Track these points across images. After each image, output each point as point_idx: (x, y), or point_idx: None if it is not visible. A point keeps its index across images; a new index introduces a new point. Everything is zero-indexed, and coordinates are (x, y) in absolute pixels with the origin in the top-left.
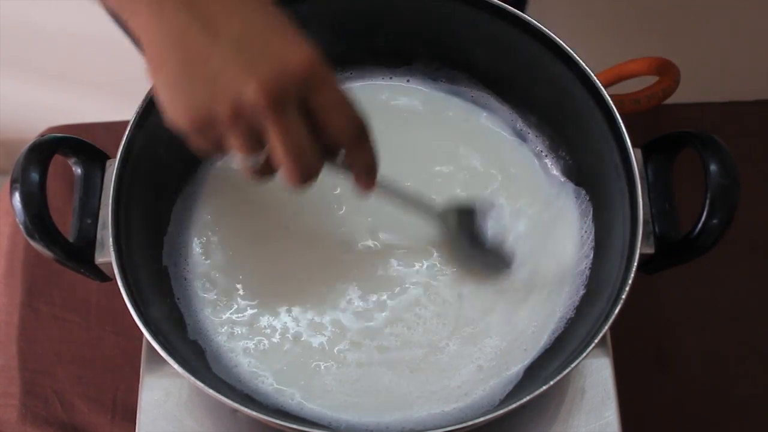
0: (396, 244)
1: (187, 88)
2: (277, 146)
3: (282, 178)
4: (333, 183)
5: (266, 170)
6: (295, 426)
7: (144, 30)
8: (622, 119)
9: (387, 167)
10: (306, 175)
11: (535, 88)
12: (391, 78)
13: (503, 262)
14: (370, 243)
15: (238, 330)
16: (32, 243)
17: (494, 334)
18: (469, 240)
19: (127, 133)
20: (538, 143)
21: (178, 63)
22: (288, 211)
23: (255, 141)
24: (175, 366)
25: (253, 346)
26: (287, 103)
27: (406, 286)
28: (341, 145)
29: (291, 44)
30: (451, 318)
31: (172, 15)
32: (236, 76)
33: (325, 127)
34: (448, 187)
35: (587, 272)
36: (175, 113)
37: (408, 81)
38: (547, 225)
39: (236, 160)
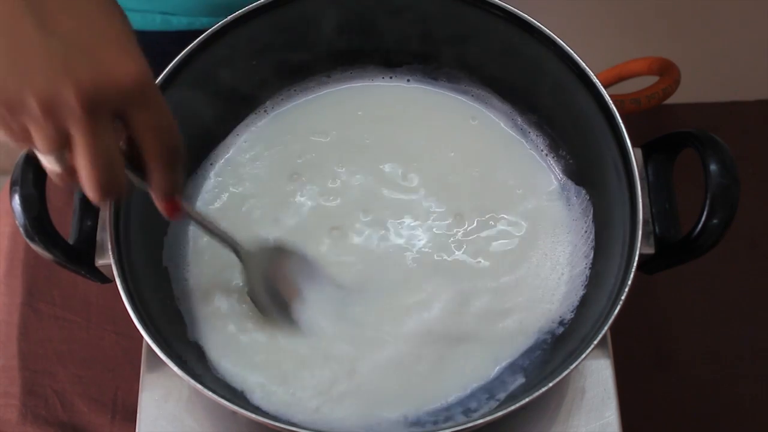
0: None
1: (2, 70)
2: (80, 152)
3: (83, 187)
4: (333, 182)
5: (67, 176)
6: (294, 428)
7: None
8: (622, 119)
9: (387, 167)
10: (105, 188)
11: (536, 88)
12: (391, 78)
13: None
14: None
15: (238, 330)
16: (32, 245)
17: (493, 334)
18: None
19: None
20: (538, 143)
21: (2, 48)
22: (288, 210)
23: (57, 142)
24: (174, 368)
25: (253, 347)
26: (100, 112)
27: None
28: (147, 164)
29: (122, 55)
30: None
31: (8, 4)
32: (57, 74)
33: (136, 143)
34: (447, 186)
35: (587, 272)
36: None
37: (408, 81)
38: (547, 225)
39: (39, 157)
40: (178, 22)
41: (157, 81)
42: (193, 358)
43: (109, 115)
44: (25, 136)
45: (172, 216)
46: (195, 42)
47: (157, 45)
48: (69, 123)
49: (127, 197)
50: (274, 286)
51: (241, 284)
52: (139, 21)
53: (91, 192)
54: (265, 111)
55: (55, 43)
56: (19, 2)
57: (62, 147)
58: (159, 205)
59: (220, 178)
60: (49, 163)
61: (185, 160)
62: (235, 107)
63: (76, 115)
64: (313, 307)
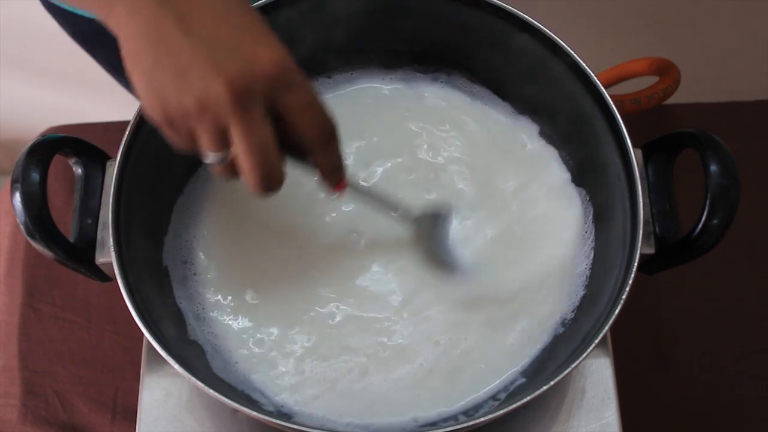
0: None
1: (159, 80)
2: (239, 145)
3: (245, 180)
4: None
5: (232, 170)
6: (295, 426)
7: (122, 27)
8: (622, 119)
9: (386, 166)
10: (268, 178)
11: (536, 88)
12: (391, 78)
13: (455, 267)
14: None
15: (238, 330)
16: (33, 243)
17: (493, 335)
18: (439, 243)
19: (127, 133)
20: (538, 143)
21: (152, 56)
22: (289, 211)
23: (220, 138)
24: (176, 366)
25: (253, 346)
26: (252, 102)
27: (397, 298)
28: (308, 146)
29: (262, 44)
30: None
31: (147, 11)
32: (204, 72)
33: (292, 128)
34: (446, 186)
35: (587, 272)
36: (149, 104)
37: (408, 80)
38: (547, 225)
39: (204, 157)
40: None
41: None
42: (193, 357)
43: (261, 105)
44: (191, 139)
45: (341, 191)
46: None
47: None
48: (226, 119)
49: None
50: (443, 235)
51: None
52: None
53: (253, 184)
54: None
55: (197, 43)
56: (158, 8)
57: (225, 145)
58: (326, 183)
59: None
60: (215, 161)
61: (340, 137)
62: None
63: (231, 110)
64: None
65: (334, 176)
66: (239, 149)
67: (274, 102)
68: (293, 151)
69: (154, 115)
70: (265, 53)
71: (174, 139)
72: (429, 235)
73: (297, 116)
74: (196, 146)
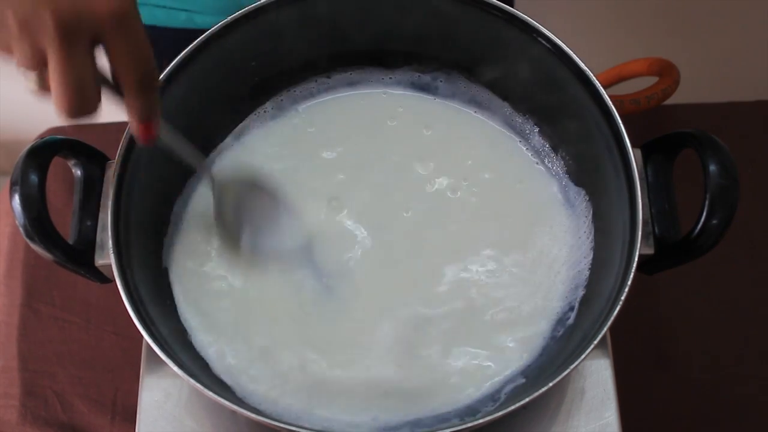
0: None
1: None
2: (53, 74)
3: (53, 103)
4: (334, 182)
5: (41, 93)
6: (293, 428)
7: None
8: (621, 119)
9: (387, 166)
10: (74, 108)
11: (535, 89)
12: (390, 78)
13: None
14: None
15: (237, 331)
16: (32, 245)
17: (494, 333)
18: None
19: (126, 134)
20: (537, 143)
21: None
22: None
23: (33, 60)
24: (175, 368)
25: (253, 347)
26: (75, 36)
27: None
28: (123, 89)
29: None
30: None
31: None
32: None
33: (113, 68)
34: (444, 186)
35: (587, 272)
36: None
37: (408, 81)
38: (546, 225)
39: (19, 71)
40: (202, 21)
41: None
42: (192, 359)
43: (84, 40)
44: (8, 51)
45: (146, 141)
46: (194, 43)
47: (178, 42)
48: (45, 44)
49: (95, 114)
50: (240, 215)
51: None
52: (162, 17)
53: (60, 110)
54: (264, 111)
55: None
56: None
57: (38, 66)
58: (133, 128)
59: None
60: (27, 79)
61: (158, 86)
62: (234, 107)
63: (51, 37)
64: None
65: (141, 123)
66: (52, 77)
67: (101, 40)
68: (112, 88)
69: None
70: None
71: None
72: (234, 202)
73: (117, 59)
74: (9, 56)
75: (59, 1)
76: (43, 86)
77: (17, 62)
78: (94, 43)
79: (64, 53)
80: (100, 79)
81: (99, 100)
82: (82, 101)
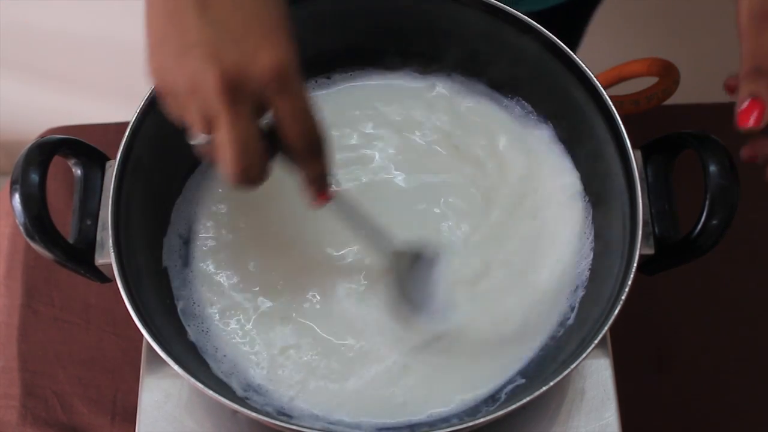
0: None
1: (164, 51)
2: (219, 135)
3: (220, 170)
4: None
5: (210, 157)
6: (294, 426)
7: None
8: (621, 120)
9: (386, 166)
10: (243, 173)
11: (535, 89)
12: (390, 78)
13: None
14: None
15: (238, 331)
16: (32, 244)
17: (493, 335)
18: (414, 283)
19: (126, 134)
20: (537, 144)
21: (164, 26)
22: (289, 212)
23: (204, 122)
24: (175, 367)
25: (253, 347)
26: (241, 98)
27: None
28: (293, 154)
29: (268, 42)
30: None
31: None
32: (204, 55)
33: (280, 133)
34: (444, 186)
35: (587, 273)
36: (151, 71)
37: (408, 81)
38: (546, 226)
39: (189, 136)
40: None
41: None
42: (193, 359)
43: (249, 101)
44: (182, 115)
45: (320, 204)
46: None
47: None
48: (212, 106)
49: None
50: (413, 285)
51: (241, 285)
52: None
53: (226, 176)
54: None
55: (207, 25)
56: None
57: (207, 129)
58: (308, 193)
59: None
60: (197, 142)
61: (328, 151)
62: None
63: (217, 98)
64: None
65: (316, 188)
66: (219, 139)
67: (266, 103)
68: (284, 154)
69: (154, 82)
70: (268, 53)
71: (168, 109)
72: (405, 274)
73: (285, 123)
74: (184, 122)
75: (224, 62)
76: (211, 150)
77: (189, 124)
78: (259, 108)
79: (230, 114)
80: (269, 147)
81: (265, 165)
82: (248, 163)
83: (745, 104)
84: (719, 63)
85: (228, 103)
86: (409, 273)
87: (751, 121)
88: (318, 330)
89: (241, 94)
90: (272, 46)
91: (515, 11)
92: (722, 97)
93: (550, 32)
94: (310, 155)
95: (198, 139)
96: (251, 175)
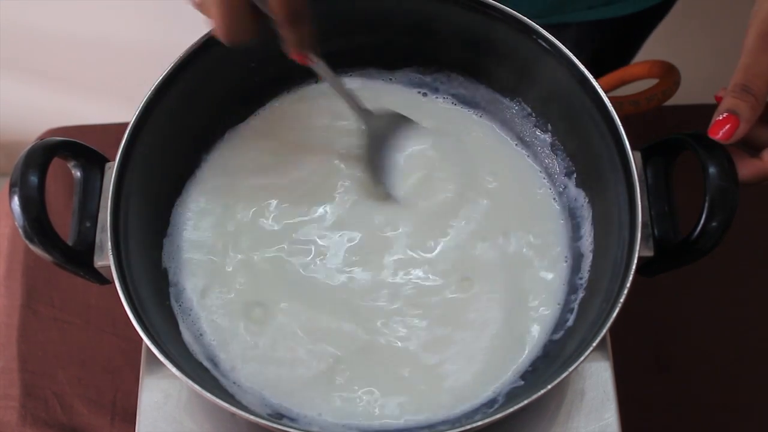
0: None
1: None
2: None
3: (210, 24)
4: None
5: (204, 11)
6: (293, 429)
7: None
8: (621, 120)
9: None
10: (229, 30)
11: (535, 91)
12: (390, 79)
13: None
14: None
15: (238, 332)
16: (31, 246)
17: (493, 337)
18: (385, 149)
19: (126, 135)
20: (538, 145)
21: None
22: (289, 214)
23: None
24: (173, 369)
25: (252, 349)
26: None
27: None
28: (275, 20)
29: None
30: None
31: None
32: None
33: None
34: (443, 187)
35: (586, 274)
36: None
37: (408, 83)
38: (546, 227)
39: None
40: None
41: (153, 85)
42: (192, 360)
43: None
44: None
45: (300, 62)
46: (193, 43)
47: None
48: None
49: (251, 39)
50: (384, 154)
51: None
52: None
53: (215, 30)
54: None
55: None
56: None
57: None
58: (288, 50)
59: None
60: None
61: (309, 20)
62: (234, 108)
63: None
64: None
65: (293, 50)
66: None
67: None
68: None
69: None
70: None
71: None
72: (380, 143)
73: None
74: None
75: None
76: (206, 12)
77: None
78: None
79: None
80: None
81: (252, 26)
82: (234, 24)
83: (721, 116)
84: (720, 64)
85: None
86: (382, 141)
87: (720, 134)
88: (321, 336)
89: None
90: None
91: (515, 12)
92: None
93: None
94: (288, 23)
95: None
96: (235, 33)
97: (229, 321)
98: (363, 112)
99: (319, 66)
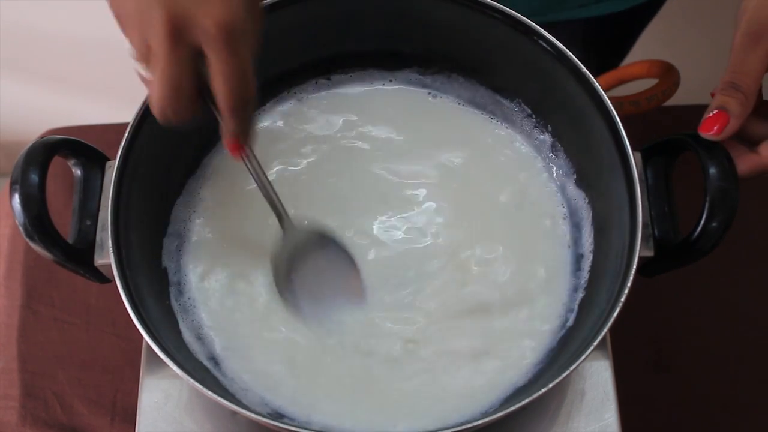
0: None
1: None
2: (152, 69)
3: (149, 100)
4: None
5: (145, 84)
6: (293, 428)
7: None
8: (621, 121)
9: (389, 168)
10: (168, 109)
11: (535, 91)
12: (391, 81)
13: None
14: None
15: (238, 332)
16: (32, 244)
17: (494, 338)
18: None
19: (126, 134)
20: (538, 145)
21: None
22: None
23: (141, 54)
24: (175, 368)
25: (253, 349)
26: (181, 43)
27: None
28: (218, 107)
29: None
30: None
31: None
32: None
33: (210, 86)
34: (443, 187)
35: (586, 275)
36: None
37: (408, 84)
38: (546, 228)
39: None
40: None
41: None
42: (192, 359)
43: (187, 48)
44: (127, 38)
45: (235, 155)
46: None
47: None
48: (153, 41)
49: (192, 122)
50: (299, 271)
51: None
52: None
53: (153, 109)
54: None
55: None
56: None
57: (144, 59)
58: (225, 143)
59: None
60: (136, 66)
61: (253, 110)
62: None
63: (159, 37)
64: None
65: (229, 141)
66: (153, 74)
67: (205, 51)
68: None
69: (112, 10)
70: (220, 9)
71: (119, 27)
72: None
73: (214, 79)
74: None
75: (174, 3)
76: (147, 82)
77: (132, 52)
78: (197, 53)
79: (166, 52)
80: (202, 92)
81: (193, 109)
82: (174, 104)
83: (712, 113)
84: (719, 64)
85: (168, 44)
86: (305, 258)
87: (713, 131)
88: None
89: (182, 38)
90: (225, 4)
91: (515, 13)
92: None
93: (599, 43)
94: (230, 113)
95: (137, 65)
96: (174, 114)
97: (230, 320)
98: (286, 220)
99: (251, 162)
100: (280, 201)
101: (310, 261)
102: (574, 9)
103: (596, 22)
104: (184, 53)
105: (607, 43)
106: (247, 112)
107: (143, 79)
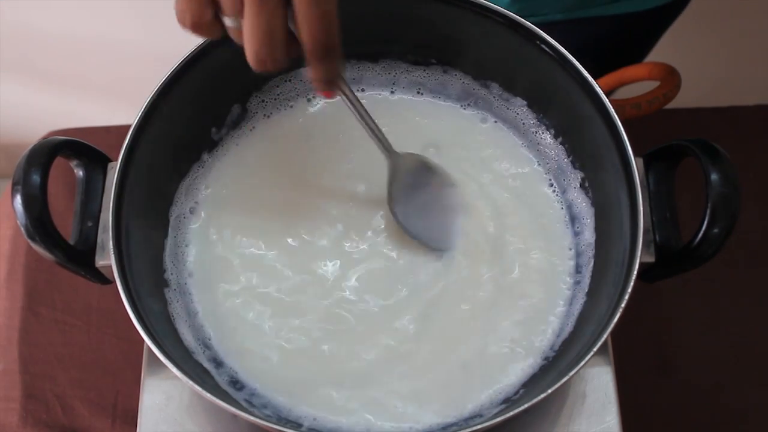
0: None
1: None
2: (245, 19)
3: (245, 50)
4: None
5: (236, 38)
6: (293, 430)
7: None
8: (622, 124)
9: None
10: (263, 58)
11: (536, 94)
12: (392, 83)
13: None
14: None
15: (238, 332)
16: (33, 245)
17: (494, 343)
18: (412, 199)
19: (128, 136)
20: (538, 147)
21: None
22: (289, 214)
23: (236, 7)
24: (175, 370)
25: (253, 350)
26: None
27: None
28: (305, 52)
29: None
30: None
31: None
32: None
33: (297, 32)
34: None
35: (587, 279)
36: None
37: (408, 86)
38: (547, 232)
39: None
40: None
41: (157, 86)
42: (193, 361)
43: None
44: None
45: (327, 97)
46: (193, 48)
47: None
48: None
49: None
50: (411, 194)
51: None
52: None
53: (248, 58)
54: (266, 115)
55: None
56: None
57: (234, 12)
58: (315, 86)
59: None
60: (228, 23)
61: (339, 56)
62: (231, 110)
63: None
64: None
65: (318, 85)
66: (245, 24)
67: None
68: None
69: None
70: None
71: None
72: (403, 182)
73: (300, 24)
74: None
75: None
76: (238, 34)
77: (222, 8)
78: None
79: (256, 5)
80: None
81: (285, 53)
82: (268, 50)
83: None
84: (721, 67)
85: None
86: (407, 183)
87: None
88: (322, 338)
89: None
90: None
91: (516, 16)
92: (724, 101)
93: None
94: (316, 58)
95: (228, 21)
96: (269, 62)
97: (231, 320)
98: (389, 152)
99: (347, 97)
100: (379, 129)
101: (411, 180)
102: (601, 6)
103: (621, 21)
104: (273, 1)
105: (632, 43)
106: (333, 59)
107: (233, 32)
